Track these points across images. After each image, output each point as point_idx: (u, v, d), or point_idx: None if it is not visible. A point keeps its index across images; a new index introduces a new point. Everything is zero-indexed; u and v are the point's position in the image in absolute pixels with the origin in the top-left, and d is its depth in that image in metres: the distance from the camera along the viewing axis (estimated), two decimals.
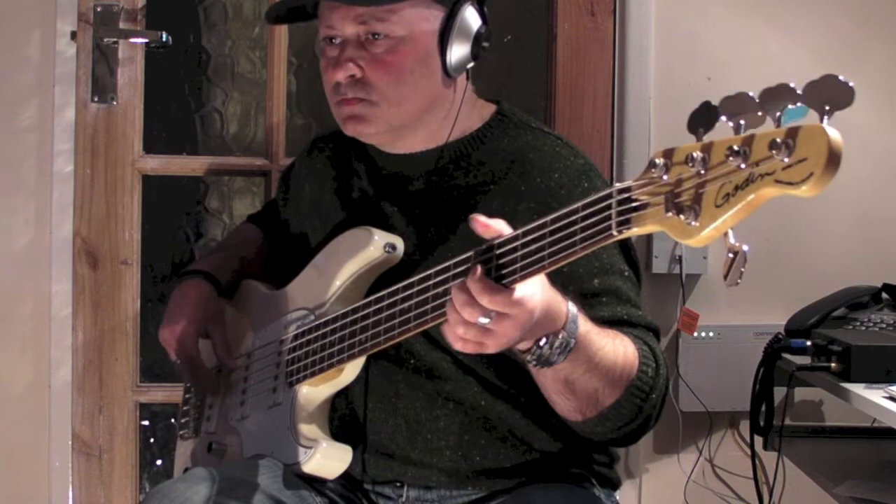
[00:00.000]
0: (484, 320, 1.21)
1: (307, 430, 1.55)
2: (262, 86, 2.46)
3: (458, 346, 1.24)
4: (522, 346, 1.30)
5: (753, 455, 2.13)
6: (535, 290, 1.23)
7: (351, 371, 1.55)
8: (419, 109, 1.56)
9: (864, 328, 2.04)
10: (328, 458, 1.52)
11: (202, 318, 1.69)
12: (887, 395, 1.69)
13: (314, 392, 1.57)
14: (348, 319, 1.49)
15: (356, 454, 1.55)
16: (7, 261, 2.30)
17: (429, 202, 1.60)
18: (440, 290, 1.33)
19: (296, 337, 1.58)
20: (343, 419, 1.61)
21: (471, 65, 1.59)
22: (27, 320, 2.32)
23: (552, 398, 1.40)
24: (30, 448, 2.32)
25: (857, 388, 1.76)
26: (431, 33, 1.54)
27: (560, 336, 1.29)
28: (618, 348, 1.37)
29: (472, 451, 1.56)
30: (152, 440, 2.73)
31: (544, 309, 1.25)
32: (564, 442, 1.58)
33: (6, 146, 2.30)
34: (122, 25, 2.29)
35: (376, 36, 1.53)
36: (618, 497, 1.66)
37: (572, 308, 1.31)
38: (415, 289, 1.38)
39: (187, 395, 1.81)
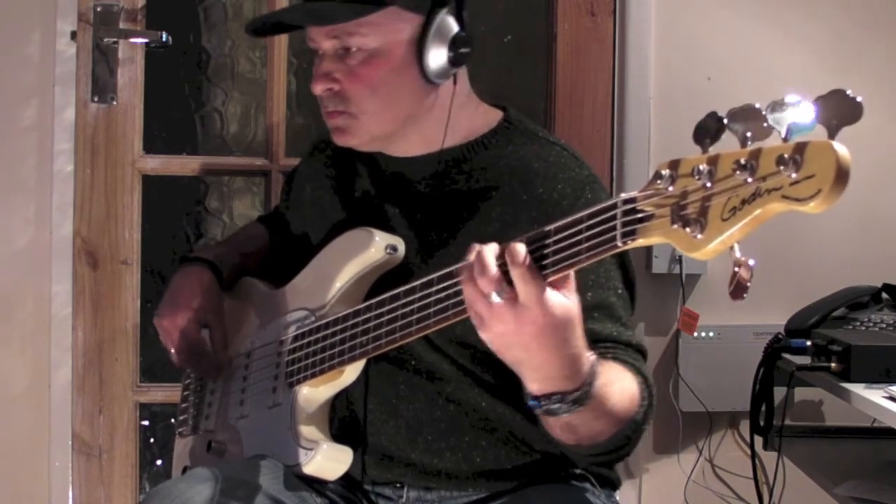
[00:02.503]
0: (496, 298, 1.17)
1: (307, 431, 1.55)
2: (262, 86, 2.46)
3: (468, 304, 1.22)
4: (530, 388, 1.27)
5: (753, 455, 2.13)
6: (564, 318, 1.19)
7: (351, 373, 1.54)
8: (400, 118, 1.57)
9: (864, 328, 2.04)
10: (329, 460, 1.52)
11: (203, 306, 1.68)
12: (887, 395, 1.69)
13: (314, 393, 1.56)
14: (349, 322, 1.49)
15: (356, 455, 1.55)
16: (7, 261, 2.30)
17: (430, 205, 1.60)
18: (442, 295, 1.33)
19: (296, 338, 1.58)
20: (343, 420, 1.61)
21: (454, 70, 1.58)
22: (27, 320, 2.32)
23: (550, 429, 1.36)
24: (30, 448, 2.32)
25: (857, 388, 1.76)
26: (406, 42, 1.54)
27: (573, 396, 1.26)
28: (625, 392, 1.37)
29: (473, 452, 1.56)
30: (152, 440, 2.73)
31: (558, 344, 1.21)
32: None
33: (6, 146, 2.30)
34: (122, 25, 2.29)
35: (350, 49, 1.53)
36: (618, 497, 1.66)
37: (592, 367, 1.28)
38: (417, 294, 1.37)
39: (186, 392, 1.81)
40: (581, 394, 1.26)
